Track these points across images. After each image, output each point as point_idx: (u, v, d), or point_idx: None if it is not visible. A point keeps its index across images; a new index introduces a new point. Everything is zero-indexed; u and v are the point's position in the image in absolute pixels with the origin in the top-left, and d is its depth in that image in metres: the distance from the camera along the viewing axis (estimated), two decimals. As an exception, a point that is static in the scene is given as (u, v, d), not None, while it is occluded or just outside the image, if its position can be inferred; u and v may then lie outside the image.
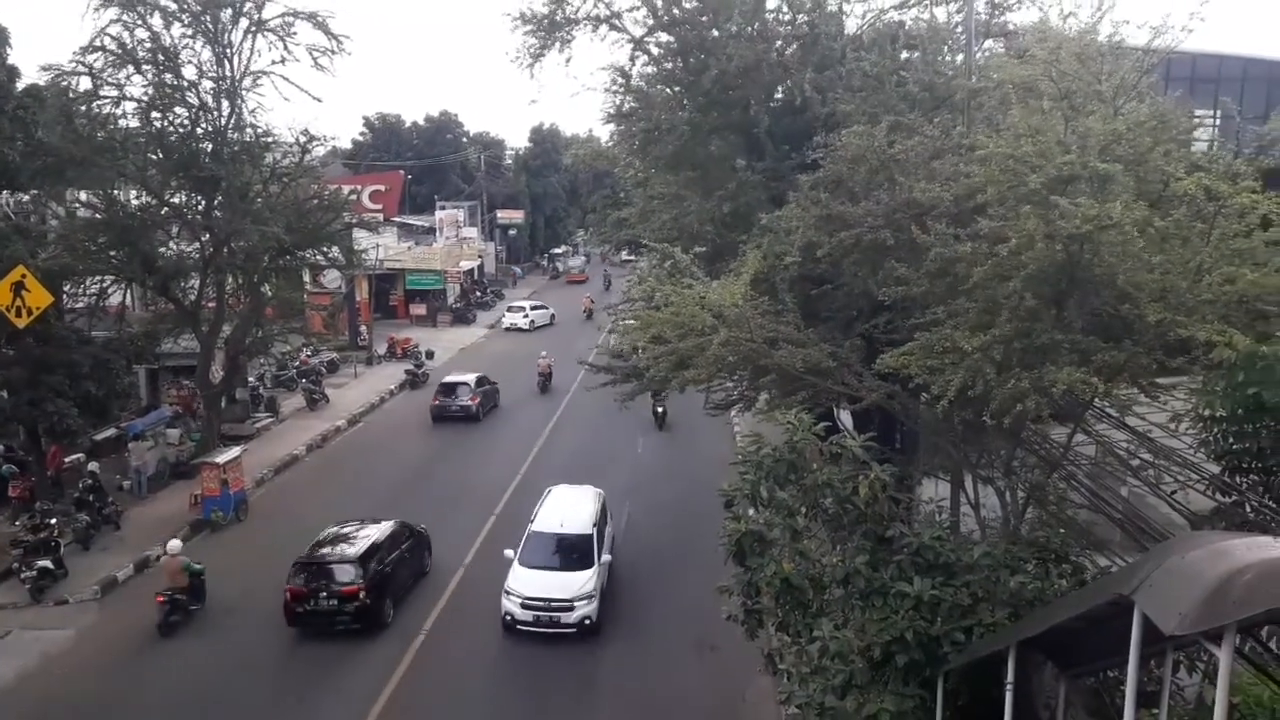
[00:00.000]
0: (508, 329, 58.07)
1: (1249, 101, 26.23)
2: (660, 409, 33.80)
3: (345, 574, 18.68)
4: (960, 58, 18.15)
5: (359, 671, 17.40)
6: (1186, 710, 8.95)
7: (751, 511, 11.00)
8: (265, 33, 27.28)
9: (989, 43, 19.32)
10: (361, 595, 18.42)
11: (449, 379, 37.76)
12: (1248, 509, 10.31)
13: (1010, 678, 7.77)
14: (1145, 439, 13.10)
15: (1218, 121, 24.00)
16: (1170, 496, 11.76)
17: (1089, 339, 10.91)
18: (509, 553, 19.62)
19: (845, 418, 19.74)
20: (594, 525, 19.70)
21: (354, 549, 19.31)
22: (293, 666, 17.78)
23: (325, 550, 19.54)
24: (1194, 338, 10.26)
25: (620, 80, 20.55)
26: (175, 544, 20.59)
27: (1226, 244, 10.86)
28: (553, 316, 60.46)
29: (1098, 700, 8.81)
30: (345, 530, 20.57)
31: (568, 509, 20.51)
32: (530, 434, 34.30)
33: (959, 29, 18.37)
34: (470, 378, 37.61)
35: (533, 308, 60.51)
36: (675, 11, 19.26)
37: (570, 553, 19.25)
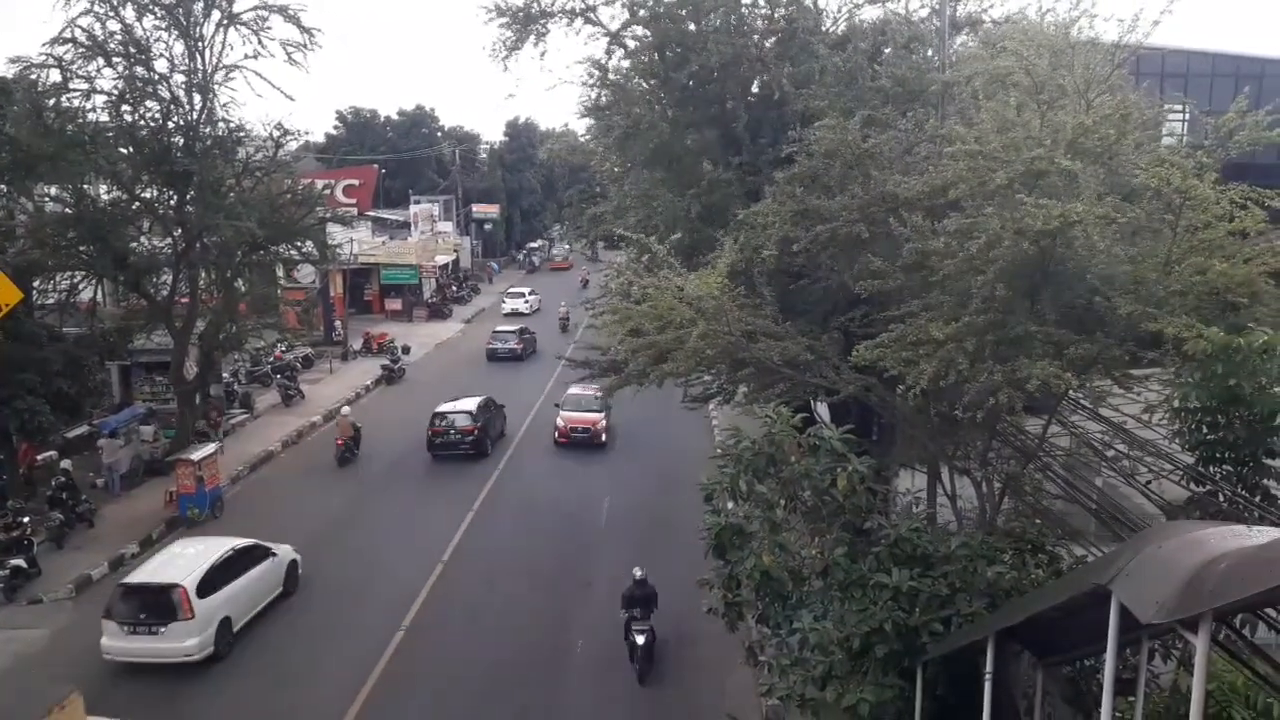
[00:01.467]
0: (507, 314, 60.16)
1: (1217, 97, 26.49)
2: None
3: (464, 420, 30.79)
4: (932, 52, 18.24)
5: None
6: (1162, 698, 9.07)
7: (731, 505, 11.04)
8: (238, 26, 27.00)
9: (962, 37, 19.42)
10: (475, 432, 30.69)
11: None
12: (1221, 498, 10.44)
13: (989, 668, 7.84)
14: (1120, 430, 13.24)
15: (1186, 117, 24.26)
16: (1145, 487, 11.89)
17: (1062, 331, 11.01)
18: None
19: (823, 410, 19.84)
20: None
21: (467, 406, 31.38)
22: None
23: (449, 407, 31.36)
24: (1165, 332, 10.39)
25: (597, 73, 20.50)
26: (347, 409, 33.44)
27: (1194, 235, 10.99)
28: (540, 302, 63.93)
29: (1075, 689, 8.92)
30: (457, 400, 32.16)
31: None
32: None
33: (933, 23, 18.45)
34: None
35: (530, 293, 64.25)
36: (651, 5, 19.22)
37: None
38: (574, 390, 31.74)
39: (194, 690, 16.63)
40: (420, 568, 21.87)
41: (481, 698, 16.35)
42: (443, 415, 30.81)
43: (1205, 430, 10.62)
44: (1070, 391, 11.77)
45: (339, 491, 27.78)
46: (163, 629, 16.82)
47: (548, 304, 62.57)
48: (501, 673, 17.16)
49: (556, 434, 32.72)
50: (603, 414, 32.56)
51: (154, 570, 17.95)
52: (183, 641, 16.86)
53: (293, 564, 20.68)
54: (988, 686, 7.88)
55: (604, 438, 32.67)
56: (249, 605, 18.80)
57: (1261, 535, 4.46)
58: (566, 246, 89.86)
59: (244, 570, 18.81)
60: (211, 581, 17.72)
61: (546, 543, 23.70)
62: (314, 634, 18.84)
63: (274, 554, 19.99)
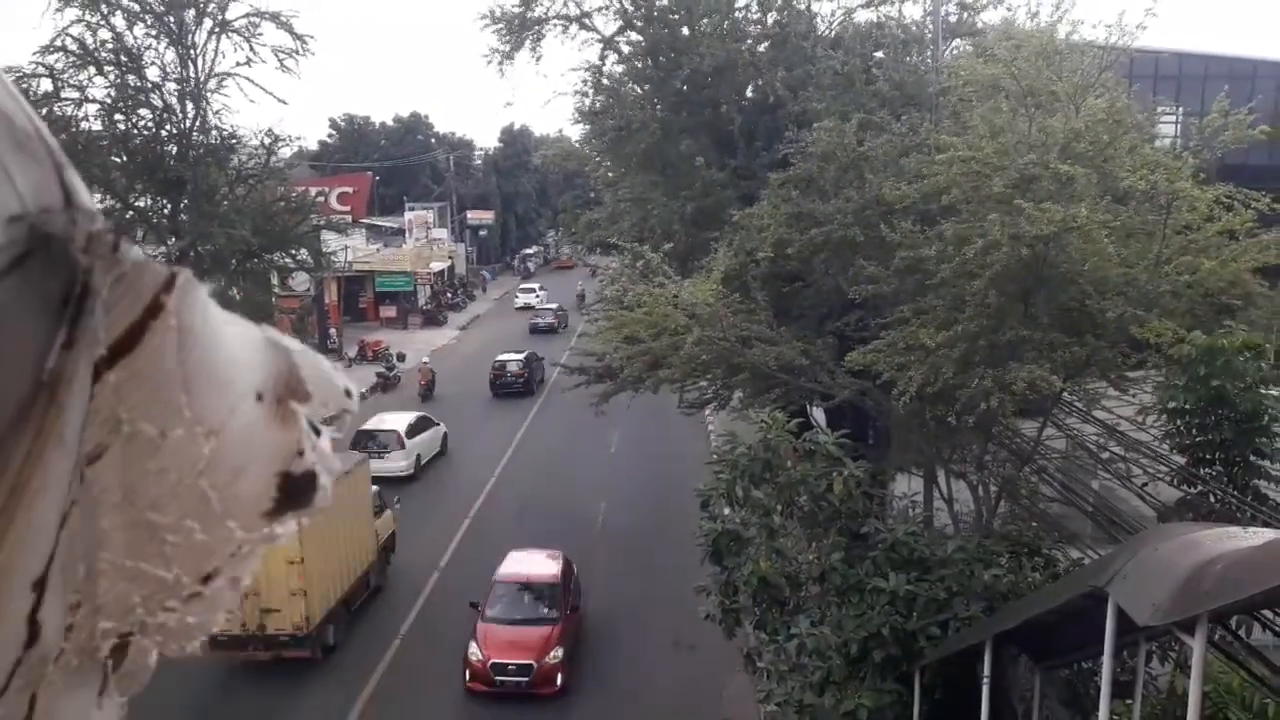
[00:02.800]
0: (520, 308, 64.58)
1: (1210, 99, 26.59)
2: None
3: (516, 365, 38.75)
4: (928, 55, 18.29)
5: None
6: (1159, 699, 9.07)
7: (727, 511, 11.04)
8: (229, 33, 26.99)
9: (956, 41, 19.48)
10: (525, 376, 38.40)
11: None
12: (1212, 499, 10.47)
13: (986, 671, 7.85)
14: (1114, 432, 13.27)
15: (1180, 118, 24.32)
16: (1140, 489, 11.91)
17: (1054, 334, 11.03)
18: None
19: (818, 415, 19.84)
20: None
21: (518, 356, 39.43)
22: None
23: (505, 356, 39.53)
24: (1149, 335, 10.43)
25: (591, 78, 20.56)
26: (426, 359, 40.78)
27: (1183, 235, 11.04)
28: (549, 297, 66.00)
29: (1072, 691, 8.93)
30: (508, 351, 40.57)
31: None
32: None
33: (928, 28, 18.51)
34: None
35: (540, 288, 68.02)
36: (645, 10, 19.28)
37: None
38: (510, 568, 18.74)
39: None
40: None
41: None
42: (501, 362, 39.44)
43: (1195, 432, 10.65)
44: (1065, 394, 11.81)
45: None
46: (387, 455, 26.50)
47: (555, 298, 64.70)
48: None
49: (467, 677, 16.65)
50: (554, 626, 17.23)
51: (377, 421, 28.14)
52: (398, 463, 27.03)
53: (445, 435, 30.73)
54: (985, 690, 7.88)
55: (559, 682, 16.66)
56: (428, 450, 29.35)
57: (1256, 537, 4.47)
58: (568, 250, 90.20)
59: (425, 429, 29.37)
60: (410, 431, 28.22)
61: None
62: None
63: (438, 424, 30.35)
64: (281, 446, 0.66)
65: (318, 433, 0.70)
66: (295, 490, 0.68)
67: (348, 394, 0.70)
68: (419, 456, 28.53)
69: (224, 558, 0.68)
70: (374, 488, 20.56)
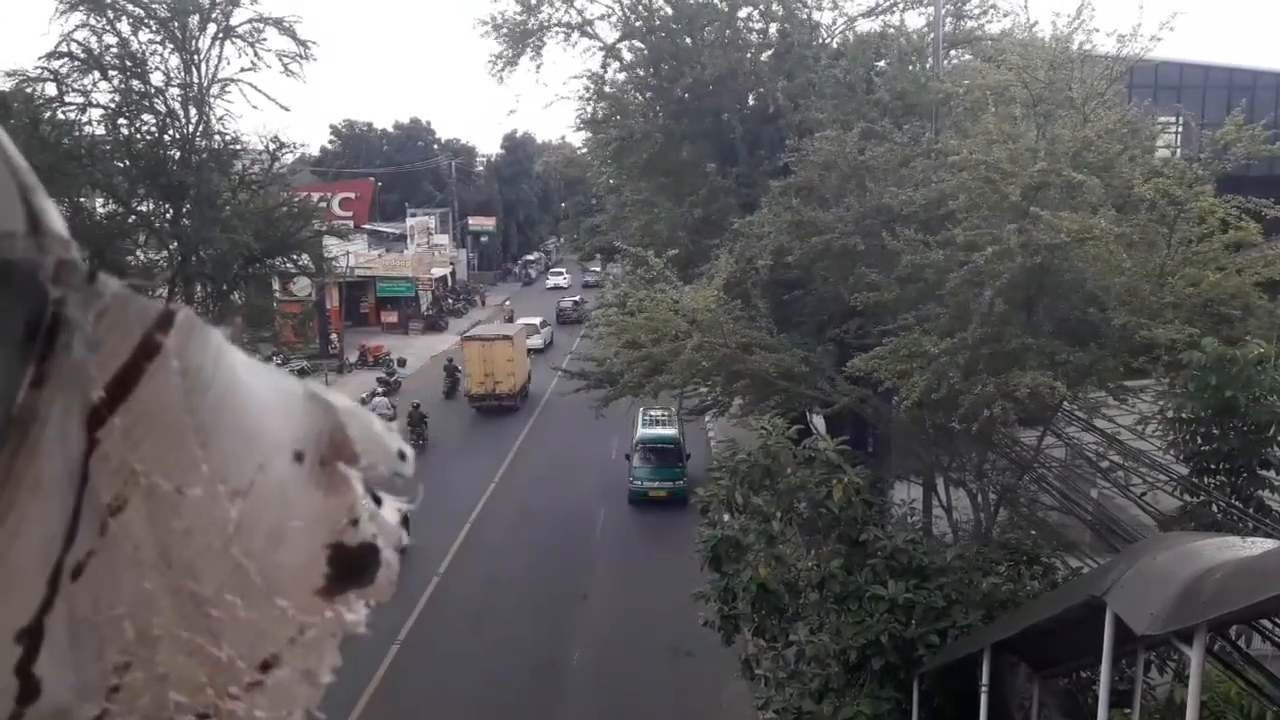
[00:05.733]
0: (550, 288, 71.94)
1: (1210, 109, 26.65)
2: None
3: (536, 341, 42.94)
4: (929, 64, 18.32)
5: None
6: (1157, 708, 9.06)
7: (727, 517, 11.04)
8: (234, 39, 27.05)
9: (955, 51, 19.51)
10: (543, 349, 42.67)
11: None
12: (1215, 509, 10.46)
13: (985, 680, 7.84)
14: (1114, 441, 13.26)
15: (1180, 128, 24.35)
16: (1140, 498, 11.90)
17: (1056, 342, 11.04)
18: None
19: (818, 422, 19.84)
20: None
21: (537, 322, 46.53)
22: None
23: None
24: (1158, 341, 10.42)
25: (593, 86, 20.60)
26: (508, 299, 44.05)
27: (1188, 247, 11.04)
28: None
29: (1071, 700, 8.92)
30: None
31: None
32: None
33: (928, 37, 18.54)
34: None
35: (565, 271, 74.25)
36: (647, 19, 19.33)
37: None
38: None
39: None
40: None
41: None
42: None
43: (1199, 441, 10.65)
44: (1065, 403, 11.80)
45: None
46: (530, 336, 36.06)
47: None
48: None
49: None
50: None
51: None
52: (536, 342, 36.33)
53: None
54: (984, 699, 7.88)
55: None
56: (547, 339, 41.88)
57: (1255, 547, 4.47)
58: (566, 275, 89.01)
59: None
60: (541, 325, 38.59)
61: (541, 552, 23.64)
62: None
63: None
64: (329, 514, 0.60)
65: (378, 502, 0.64)
66: (351, 565, 0.62)
67: (402, 457, 0.64)
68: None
69: (282, 643, 0.62)
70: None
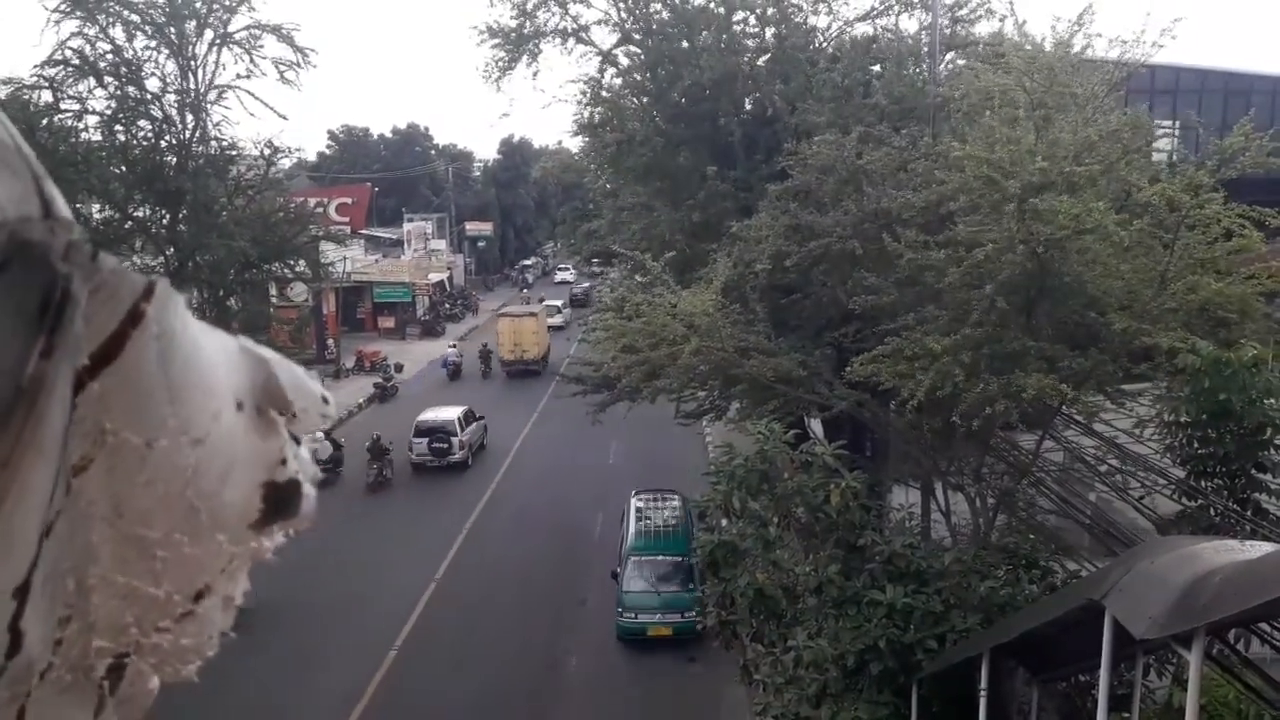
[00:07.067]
0: (559, 282, 76.80)
1: (1206, 113, 26.69)
2: None
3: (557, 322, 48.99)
4: (925, 68, 18.34)
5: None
6: (1156, 712, 9.05)
7: (724, 522, 11.03)
8: (230, 45, 27.07)
9: (950, 54, 19.53)
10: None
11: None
12: (1212, 512, 10.46)
13: (983, 684, 7.83)
14: (1112, 445, 13.27)
15: (1177, 132, 24.40)
16: (1138, 501, 11.90)
17: (1056, 346, 11.04)
18: None
19: (816, 426, 19.83)
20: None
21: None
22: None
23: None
24: (1158, 345, 10.42)
25: (590, 91, 20.61)
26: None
27: (1190, 253, 11.04)
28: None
29: (1069, 704, 8.91)
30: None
31: None
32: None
33: (924, 41, 18.56)
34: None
35: (573, 266, 73.61)
36: (644, 24, 19.36)
37: None
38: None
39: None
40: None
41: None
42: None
43: (1196, 444, 10.65)
44: (1064, 407, 11.80)
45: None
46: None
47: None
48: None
49: None
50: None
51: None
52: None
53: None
54: (983, 703, 7.87)
55: None
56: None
57: (1253, 550, 4.47)
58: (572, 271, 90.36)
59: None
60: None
61: (541, 557, 23.63)
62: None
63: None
64: (264, 456, 0.67)
65: (298, 442, 0.70)
66: (280, 500, 0.68)
67: (325, 402, 0.71)
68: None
69: (214, 573, 0.68)
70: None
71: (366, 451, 27.88)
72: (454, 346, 47.70)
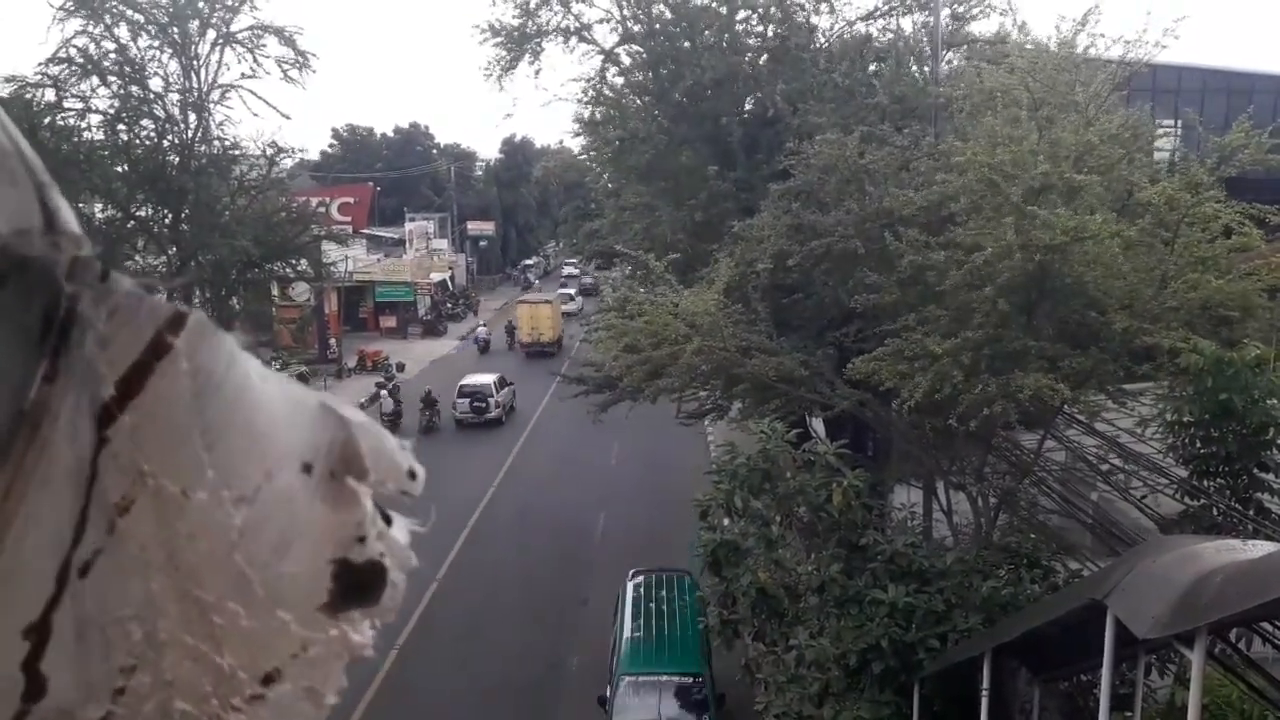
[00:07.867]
0: (566, 276, 77.46)
1: (1209, 112, 26.65)
2: None
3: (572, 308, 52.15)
4: (927, 68, 18.33)
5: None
6: (1158, 711, 9.05)
7: (726, 521, 11.03)
8: (233, 45, 27.11)
9: (950, 54, 19.51)
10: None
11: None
12: (1215, 512, 10.46)
13: (985, 684, 7.83)
14: (1114, 444, 13.26)
15: (1179, 132, 24.37)
16: (1140, 501, 11.90)
17: (1057, 346, 11.03)
18: None
19: (818, 425, 19.83)
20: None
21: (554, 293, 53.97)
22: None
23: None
24: (1159, 345, 10.42)
25: (591, 90, 20.61)
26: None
27: (1190, 252, 11.03)
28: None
29: (1071, 704, 8.91)
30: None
31: None
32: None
33: (924, 40, 18.55)
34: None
35: (578, 261, 78.02)
36: (646, 24, 19.36)
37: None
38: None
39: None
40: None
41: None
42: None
43: (1199, 444, 10.65)
44: (1065, 406, 11.79)
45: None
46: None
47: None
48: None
49: None
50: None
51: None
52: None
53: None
54: (984, 703, 7.87)
55: None
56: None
57: (1255, 549, 4.47)
58: (577, 267, 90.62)
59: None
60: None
61: (541, 560, 23.65)
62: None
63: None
64: (336, 529, 0.59)
65: (388, 521, 0.61)
66: (356, 583, 0.60)
67: (412, 476, 0.61)
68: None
69: (284, 657, 0.60)
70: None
71: (420, 402, 33.44)
72: (484, 325, 53.00)
